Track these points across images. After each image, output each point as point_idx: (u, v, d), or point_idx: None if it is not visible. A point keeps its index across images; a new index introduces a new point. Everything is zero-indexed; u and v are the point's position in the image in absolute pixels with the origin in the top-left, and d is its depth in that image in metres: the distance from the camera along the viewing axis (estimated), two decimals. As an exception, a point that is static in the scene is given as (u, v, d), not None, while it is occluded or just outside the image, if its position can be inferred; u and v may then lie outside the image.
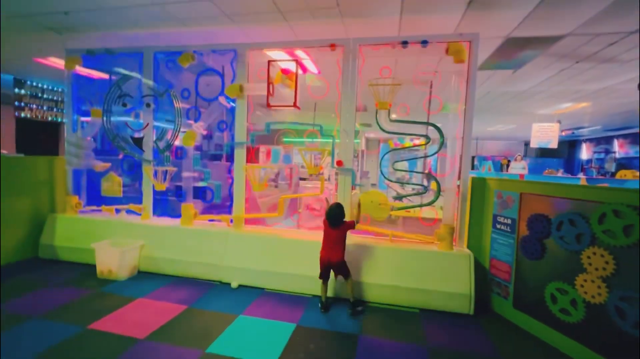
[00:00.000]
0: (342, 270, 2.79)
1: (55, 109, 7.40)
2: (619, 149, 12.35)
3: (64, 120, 4.20)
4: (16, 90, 6.71)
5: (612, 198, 2.09)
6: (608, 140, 12.98)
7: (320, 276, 2.83)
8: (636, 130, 10.98)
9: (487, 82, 5.72)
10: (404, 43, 3.06)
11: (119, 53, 3.83)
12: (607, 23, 3.27)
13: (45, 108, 7.20)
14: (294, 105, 3.31)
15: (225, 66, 3.67)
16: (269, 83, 3.32)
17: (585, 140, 14.45)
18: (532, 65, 4.72)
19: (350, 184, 3.34)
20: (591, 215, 2.17)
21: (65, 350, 2.12)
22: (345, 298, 2.96)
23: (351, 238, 3.31)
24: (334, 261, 2.74)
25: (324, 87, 3.41)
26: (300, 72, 3.35)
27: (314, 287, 3.09)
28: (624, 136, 12.03)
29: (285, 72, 3.30)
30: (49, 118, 7.29)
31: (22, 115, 6.82)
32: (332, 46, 3.24)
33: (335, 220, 2.79)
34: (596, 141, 13.74)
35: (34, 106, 7.01)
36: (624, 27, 3.34)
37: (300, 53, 3.88)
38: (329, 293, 2.99)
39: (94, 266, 3.40)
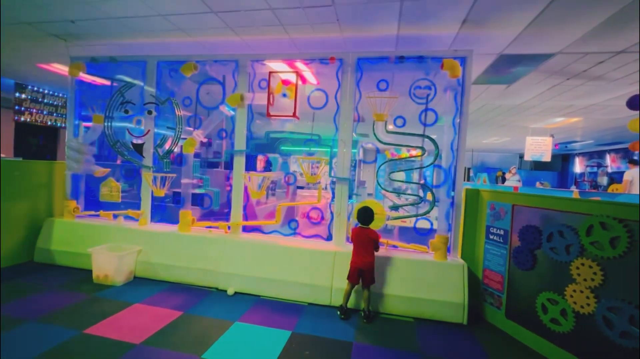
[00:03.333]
0: (370, 275, 2.87)
1: (55, 114, 7.44)
2: (611, 163, 12.57)
3: (66, 125, 4.24)
4: (17, 94, 6.76)
5: (599, 210, 2.17)
6: (600, 154, 13.22)
7: (349, 279, 2.90)
8: (626, 145, 11.22)
9: (481, 96, 5.86)
10: (401, 58, 3.18)
11: (122, 61, 3.91)
12: (595, 43, 3.41)
13: (45, 112, 7.24)
14: (294, 115, 3.39)
15: (227, 76, 3.77)
16: (269, 93, 3.41)
17: (578, 154, 14.70)
18: (524, 81, 4.86)
19: (347, 193, 3.41)
20: (579, 227, 2.25)
21: (61, 354, 2.12)
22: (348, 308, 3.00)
23: (347, 246, 3.36)
24: (363, 266, 2.85)
25: (322, 98, 3.50)
26: (300, 83, 3.44)
27: (309, 295, 3.12)
28: (616, 151, 12.27)
29: (285, 82, 3.40)
30: (49, 123, 7.32)
31: (22, 119, 6.85)
32: (332, 59, 3.34)
33: (362, 221, 2.97)
34: (589, 155, 13.97)
35: (34, 110, 7.04)
36: (611, 47, 3.49)
37: (300, 65, 3.99)
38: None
39: (89, 271, 3.40)
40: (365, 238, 2.91)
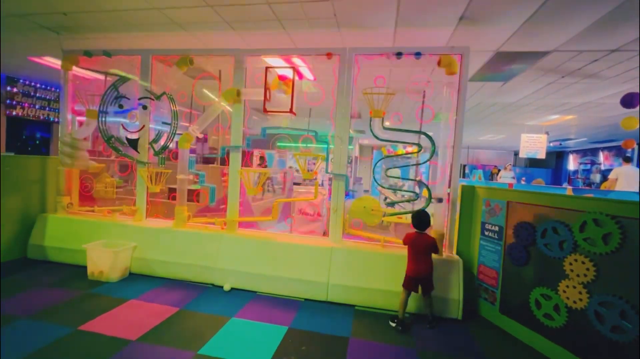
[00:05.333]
0: (429, 282, 2.76)
1: (47, 108, 7.33)
2: (604, 161, 12.72)
3: (59, 120, 4.17)
4: (8, 88, 6.64)
5: (592, 207, 2.20)
6: (594, 151, 13.37)
7: (407, 288, 2.75)
8: (619, 143, 11.34)
9: (477, 93, 5.88)
10: (398, 54, 3.17)
11: (116, 55, 3.85)
12: (590, 41, 3.43)
13: (37, 107, 7.13)
14: (290, 111, 3.38)
15: (223, 70, 3.73)
16: (266, 89, 3.38)
17: (572, 152, 14.84)
18: (520, 78, 4.89)
19: (344, 189, 3.41)
20: (573, 224, 2.27)
21: (55, 351, 2.11)
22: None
23: (343, 243, 3.37)
24: (424, 274, 2.73)
25: (319, 94, 3.48)
26: (296, 78, 3.42)
27: (306, 291, 3.13)
28: (609, 148, 12.41)
29: (282, 78, 3.37)
30: (41, 117, 7.22)
31: (14, 113, 6.74)
32: (329, 55, 3.32)
33: (419, 225, 2.81)
34: (582, 152, 14.12)
35: (26, 104, 6.93)
36: (605, 45, 3.52)
37: (297, 60, 3.96)
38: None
39: (84, 267, 3.37)
40: (423, 245, 2.75)
